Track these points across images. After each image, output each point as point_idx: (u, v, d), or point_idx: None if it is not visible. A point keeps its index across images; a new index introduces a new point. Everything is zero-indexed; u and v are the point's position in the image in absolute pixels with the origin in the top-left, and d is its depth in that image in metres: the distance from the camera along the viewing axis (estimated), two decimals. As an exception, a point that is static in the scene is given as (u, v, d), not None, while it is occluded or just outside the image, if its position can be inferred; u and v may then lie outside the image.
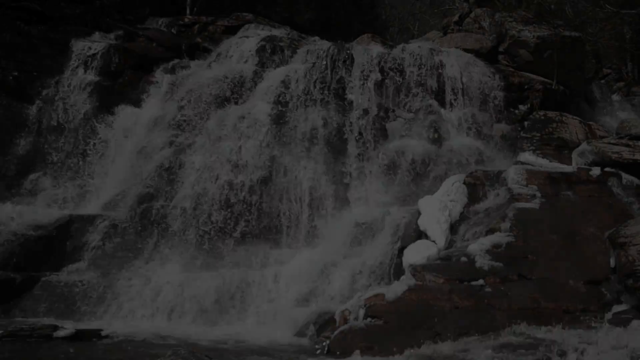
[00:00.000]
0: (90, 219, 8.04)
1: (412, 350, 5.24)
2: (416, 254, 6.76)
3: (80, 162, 9.31)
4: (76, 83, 10.04)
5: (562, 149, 9.52)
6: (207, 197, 8.23)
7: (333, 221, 8.21)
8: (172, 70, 10.94)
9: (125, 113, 10.01)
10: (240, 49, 10.77)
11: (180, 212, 8.11)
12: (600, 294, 6.07)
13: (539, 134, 9.82)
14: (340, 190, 8.63)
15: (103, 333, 6.07)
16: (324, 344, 5.78)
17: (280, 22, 15.40)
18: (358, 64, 10.04)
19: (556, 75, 10.88)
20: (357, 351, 5.41)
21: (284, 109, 9.45)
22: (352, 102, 9.58)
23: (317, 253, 7.65)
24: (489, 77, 10.43)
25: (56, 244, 7.71)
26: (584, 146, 8.68)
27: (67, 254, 7.68)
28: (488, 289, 6.00)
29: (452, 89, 10.15)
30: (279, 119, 9.31)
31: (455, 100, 10.09)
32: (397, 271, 6.93)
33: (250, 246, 7.93)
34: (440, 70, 10.27)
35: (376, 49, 10.76)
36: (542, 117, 10.13)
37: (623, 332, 5.14)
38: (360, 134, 9.25)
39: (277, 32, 12.51)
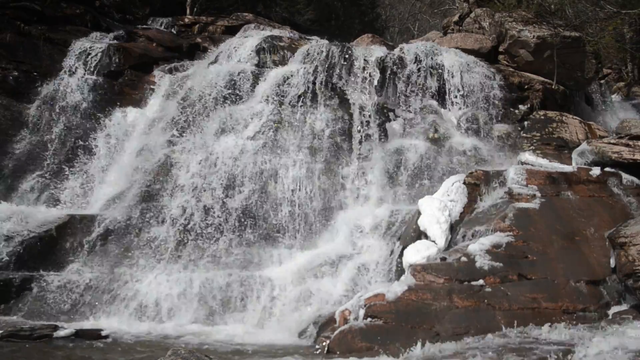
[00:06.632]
0: (90, 219, 8.03)
1: (412, 351, 5.24)
2: (416, 254, 6.75)
3: (80, 162, 9.31)
4: (76, 83, 10.04)
5: (562, 149, 9.53)
6: (206, 196, 8.23)
7: (332, 221, 8.21)
8: (172, 71, 10.96)
9: (125, 113, 10.01)
10: (240, 49, 10.77)
11: (180, 212, 8.10)
12: (600, 294, 6.07)
13: (539, 134, 9.83)
14: (340, 190, 8.63)
15: (103, 333, 6.07)
16: (324, 344, 5.77)
17: (280, 22, 15.45)
18: (358, 64, 10.04)
19: (556, 75, 10.88)
20: (357, 351, 5.42)
21: (283, 109, 9.46)
22: (352, 102, 9.58)
23: (316, 253, 7.65)
24: (489, 77, 10.44)
25: (56, 244, 7.70)
26: (584, 146, 8.67)
27: (67, 254, 7.68)
28: (488, 289, 6.00)
29: (452, 89, 10.16)
30: (278, 119, 9.31)
31: (455, 100, 10.10)
32: (397, 271, 6.94)
33: (250, 246, 7.93)
34: (440, 70, 10.28)
35: (376, 49, 10.77)
36: (542, 117, 10.13)
37: (623, 332, 5.14)
38: (359, 133, 9.25)
39: (277, 32, 12.52)
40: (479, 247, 6.48)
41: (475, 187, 7.75)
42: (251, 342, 6.13)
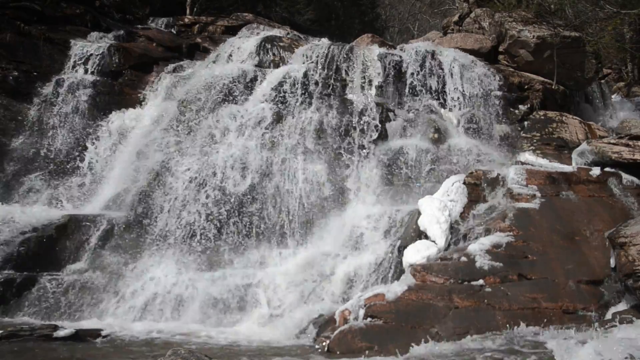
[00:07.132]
0: (90, 219, 8.02)
1: (412, 351, 5.24)
2: (416, 253, 6.76)
3: (80, 162, 9.32)
4: (76, 83, 10.05)
5: (562, 149, 9.53)
6: (206, 196, 8.22)
7: (332, 221, 8.21)
8: (172, 71, 10.97)
9: (124, 113, 10.01)
10: (240, 49, 10.77)
11: (179, 212, 8.10)
12: (600, 294, 6.07)
13: (539, 134, 9.83)
14: (340, 190, 8.63)
15: (103, 333, 6.06)
16: (324, 344, 5.78)
17: (280, 22, 15.47)
18: (358, 64, 10.05)
19: (556, 75, 10.89)
20: (357, 351, 5.42)
21: (283, 109, 9.46)
22: (351, 102, 9.58)
23: (316, 253, 7.65)
24: (489, 77, 10.44)
25: (56, 244, 7.70)
26: (584, 146, 8.68)
27: (67, 254, 7.67)
28: (488, 289, 6.01)
29: (452, 89, 10.16)
30: (278, 119, 9.31)
31: (455, 100, 10.10)
32: (397, 271, 6.94)
33: (250, 246, 7.93)
34: (440, 70, 10.28)
35: (376, 49, 10.77)
36: (542, 117, 10.14)
37: (623, 332, 5.14)
38: (360, 133, 9.25)
39: (277, 32, 12.53)
40: (479, 247, 6.48)
41: (475, 187, 7.75)
42: (251, 342, 6.12)
